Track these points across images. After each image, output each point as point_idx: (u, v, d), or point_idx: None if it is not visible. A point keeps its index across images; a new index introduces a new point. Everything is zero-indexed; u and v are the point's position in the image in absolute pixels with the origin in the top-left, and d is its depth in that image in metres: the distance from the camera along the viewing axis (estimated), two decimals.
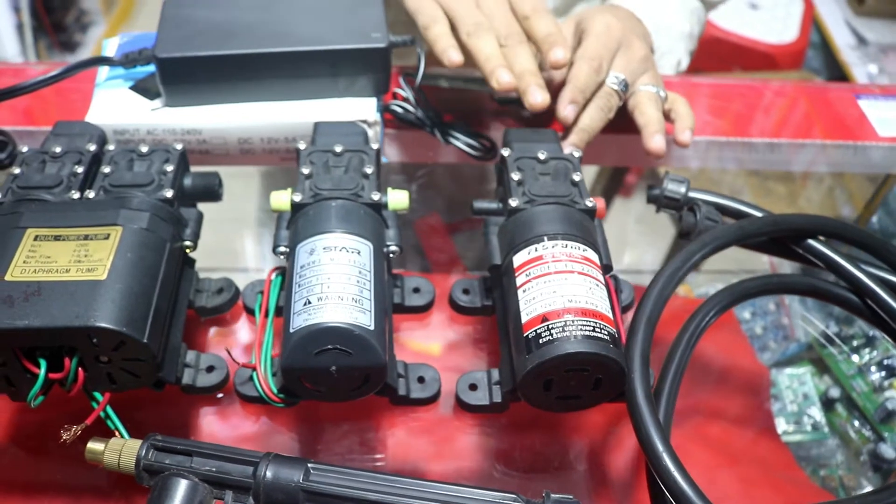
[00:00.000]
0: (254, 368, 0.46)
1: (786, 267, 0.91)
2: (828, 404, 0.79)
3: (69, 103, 0.62)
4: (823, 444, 0.76)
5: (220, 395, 0.50)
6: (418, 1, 0.60)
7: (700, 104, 0.73)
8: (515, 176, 0.51)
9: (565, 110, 0.58)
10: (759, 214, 0.57)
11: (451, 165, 0.81)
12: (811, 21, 1.67)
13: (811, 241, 0.56)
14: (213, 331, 0.54)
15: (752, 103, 0.74)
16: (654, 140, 0.58)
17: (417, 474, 0.48)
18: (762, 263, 0.95)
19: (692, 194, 0.58)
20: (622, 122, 0.61)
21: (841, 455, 0.75)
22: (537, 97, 0.56)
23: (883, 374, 0.77)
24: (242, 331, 0.54)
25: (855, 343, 0.80)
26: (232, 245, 0.90)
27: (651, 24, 0.67)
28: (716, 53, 1.59)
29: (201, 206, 0.54)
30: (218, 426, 0.50)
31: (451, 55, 0.57)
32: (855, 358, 0.79)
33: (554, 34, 0.58)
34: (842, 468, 0.74)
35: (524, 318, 0.44)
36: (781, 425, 0.79)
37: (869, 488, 0.72)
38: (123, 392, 0.45)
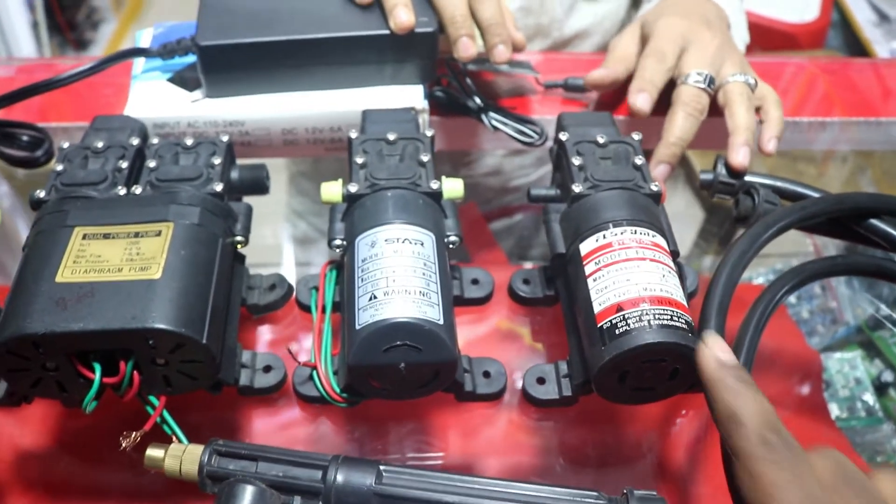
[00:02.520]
0: (314, 367, 0.45)
1: (829, 249, 0.89)
2: (881, 388, 0.77)
3: (103, 98, 0.61)
4: (878, 429, 0.74)
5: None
6: None
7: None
8: (576, 161, 0.49)
9: (637, 100, 0.58)
10: (817, 195, 0.55)
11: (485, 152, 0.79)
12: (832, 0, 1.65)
13: (873, 221, 0.54)
14: (266, 328, 0.52)
15: (805, 83, 0.72)
16: (740, 154, 0.55)
17: (486, 473, 0.46)
18: (804, 245, 0.94)
19: (748, 178, 0.56)
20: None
21: None
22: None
23: None
24: (297, 328, 0.52)
25: None
26: (260, 244, 0.89)
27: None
28: None
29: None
30: (275, 428, 0.49)
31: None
32: None
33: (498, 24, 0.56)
34: None
35: (597, 308, 0.42)
36: (834, 411, 0.77)
37: None
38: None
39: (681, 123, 0.57)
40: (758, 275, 0.91)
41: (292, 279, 0.51)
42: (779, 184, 0.56)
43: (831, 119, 0.67)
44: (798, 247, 0.92)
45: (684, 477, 0.48)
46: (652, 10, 0.65)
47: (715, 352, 0.39)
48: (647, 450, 0.48)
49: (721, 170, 0.56)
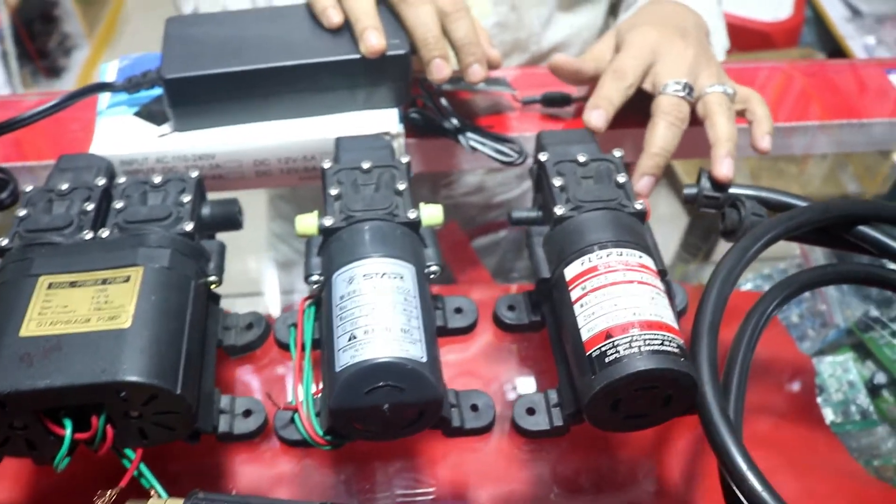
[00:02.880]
0: (295, 410, 0.43)
1: (817, 253, 0.89)
2: (874, 391, 0.76)
3: (69, 134, 0.59)
4: (873, 432, 0.74)
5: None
6: None
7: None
8: (557, 181, 0.48)
9: (591, 117, 0.56)
10: (804, 204, 0.54)
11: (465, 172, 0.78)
12: None
13: (862, 228, 0.53)
14: (245, 370, 0.50)
15: (782, 87, 0.71)
16: (724, 166, 0.54)
17: None
18: (791, 249, 0.93)
19: (733, 190, 0.55)
20: (637, 117, 0.58)
21: (893, 442, 0.72)
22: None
23: None
24: (276, 367, 0.50)
25: None
26: (241, 269, 0.87)
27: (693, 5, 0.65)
28: None
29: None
30: (258, 473, 0.47)
31: (330, 16, 0.54)
32: None
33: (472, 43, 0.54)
34: (895, 456, 0.71)
35: (585, 335, 0.41)
36: (829, 416, 0.76)
37: None
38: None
39: (662, 133, 0.55)
40: (746, 280, 0.91)
41: (276, 307, 0.49)
42: (764, 194, 0.55)
43: (811, 123, 0.67)
44: (785, 251, 0.92)
45: (681, 501, 0.47)
46: (627, 19, 0.64)
47: None
48: (642, 476, 0.47)
49: (705, 183, 0.55)
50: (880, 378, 0.76)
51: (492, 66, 0.56)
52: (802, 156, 1.29)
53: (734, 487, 0.40)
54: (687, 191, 0.55)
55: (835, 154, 1.26)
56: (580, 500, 0.46)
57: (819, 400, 0.78)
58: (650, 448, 0.49)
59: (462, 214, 0.83)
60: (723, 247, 0.52)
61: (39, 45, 1.59)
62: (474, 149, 0.57)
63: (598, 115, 0.56)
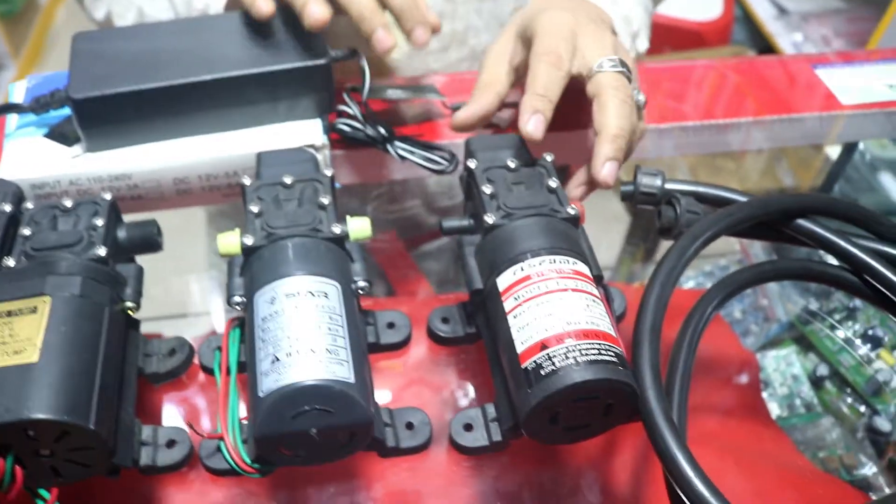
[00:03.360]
0: (221, 438, 0.41)
1: (756, 248, 0.89)
2: (817, 383, 0.77)
3: None
4: (818, 424, 0.74)
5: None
6: None
7: (662, 89, 0.70)
8: (487, 189, 0.46)
9: (528, 125, 0.48)
10: (741, 199, 0.54)
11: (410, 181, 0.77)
12: None
13: (801, 221, 0.53)
14: (169, 397, 0.48)
15: (708, 84, 0.71)
16: (605, 169, 0.49)
17: None
18: (730, 245, 0.93)
19: (669, 186, 0.54)
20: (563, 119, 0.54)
21: (836, 433, 0.73)
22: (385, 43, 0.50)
23: (869, 346, 0.75)
24: (203, 394, 0.48)
25: (837, 317, 0.78)
26: (183, 291, 0.84)
27: (604, 6, 0.63)
28: None
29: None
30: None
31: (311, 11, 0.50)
32: (839, 332, 0.77)
33: (410, 8, 0.50)
34: (840, 447, 0.72)
35: (520, 348, 0.40)
36: (774, 410, 0.76)
37: (869, 465, 0.70)
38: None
39: (616, 110, 0.49)
40: (687, 279, 0.91)
41: (221, 327, 0.47)
42: (701, 190, 0.54)
43: (744, 119, 0.67)
44: (726, 247, 0.92)
45: None
46: (526, 9, 0.57)
47: None
48: (587, 487, 0.45)
49: (641, 179, 0.54)
50: (822, 370, 0.76)
51: (434, 30, 0.52)
52: (739, 152, 1.30)
53: (680, 493, 0.39)
54: (623, 188, 0.54)
55: (770, 149, 1.28)
56: None
57: (765, 395, 0.78)
58: (594, 458, 0.47)
59: (406, 222, 0.81)
60: (666, 244, 0.51)
61: None
62: (403, 158, 0.55)
63: (535, 122, 0.49)
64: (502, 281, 0.42)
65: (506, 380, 0.41)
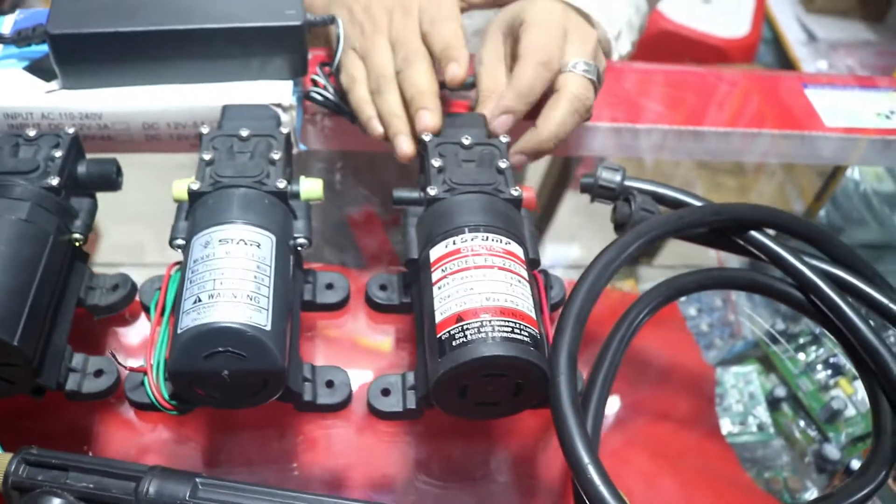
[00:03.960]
0: (145, 373, 0.42)
1: (733, 263, 0.89)
2: (773, 404, 0.77)
3: None
4: (769, 444, 0.74)
5: (117, 402, 0.46)
6: (343, 56, 0.55)
7: (651, 92, 0.70)
8: (436, 162, 0.47)
9: (495, 122, 0.51)
10: (699, 204, 0.54)
11: (389, 158, 0.77)
12: (763, 16, 1.66)
13: (754, 233, 0.53)
14: (106, 331, 0.49)
15: (698, 91, 0.71)
16: (497, 120, 0.51)
17: (327, 486, 0.44)
18: (709, 258, 0.93)
19: (628, 183, 0.54)
20: None
21: (786, 456, 0.73)
22: (425, 119, 0.50)
23: (829, 372, 0.75)
24: (140, 331, 0.49)
25: (801, 341, 0.78)
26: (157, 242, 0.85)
27: (591, 11, 0.63)
28: (667, 47, 1.58)
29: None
30: (113, 436, 0.46)
31: (374, 128, 0.52)
32: (801, 356, 0.77)
33: (449, 48, 0.51)
34: (786, 469, 0.72)
35: (438, 318, 0.40)
36: (727, 426, 0.77)
37: (812, 491, 0.70)
38: (8, 399, 0.41)
39: (563, 117, 0.51)
40: None
41: None
42: (659, 190, 0.54)
43: (715, 129, 0.67)
44: (702, 260, 0.92)
45: (539, 495, 0.47)
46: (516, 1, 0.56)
47: None
48: (494, 468, 0.46)
49: (601, 173, 0.54)
50: (780, 391, 0.76)
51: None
52: (745, 170, 1.29)
53: (576, 479, 0.39)
54: (583, 180, 0.55)
55: (784, 172, 1.27)
56: (426, 487, 0.46)
57: (719, 409, 0.78)
58: (508, 439, 0.48)
59: (387, 198, 0.81)
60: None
61: None
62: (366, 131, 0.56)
63: (504, 122, 0.51)
64: (434, 252, 0.43)
65: (425, 349, 0.42)
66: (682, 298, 0.83)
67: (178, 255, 0.44)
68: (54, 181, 0.45)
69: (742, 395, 0.77)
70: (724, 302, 0.83)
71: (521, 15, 0.53)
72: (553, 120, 0.51)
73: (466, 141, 0.49)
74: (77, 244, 0.46)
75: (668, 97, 0.71)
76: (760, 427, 0.76)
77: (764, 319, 0.81)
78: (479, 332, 0.39)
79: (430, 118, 0.50)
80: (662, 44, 1.57)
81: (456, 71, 0.51)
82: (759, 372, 0.79)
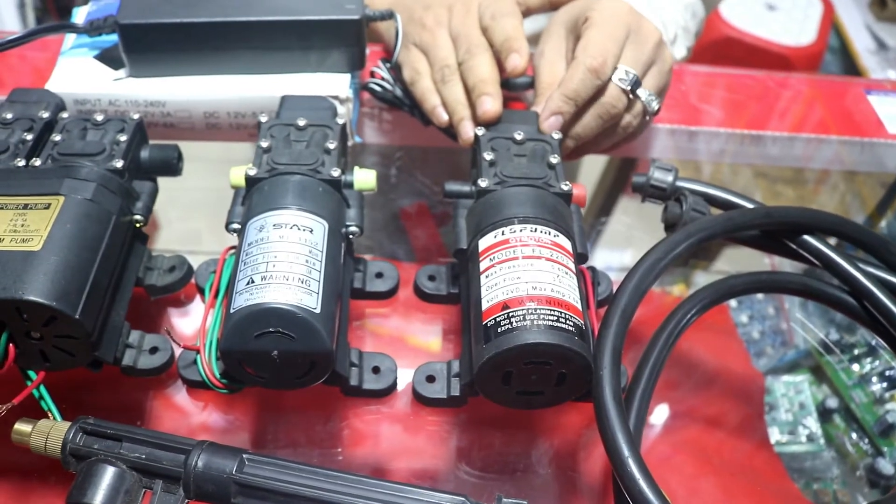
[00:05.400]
0: (198, 351, 0.43)
1: (787, 268, 0.88)
2: (825, 415, 0.75)
3: (37, 71, 0.60)
4: (819, 456, 0.72)
5: (170, 380, 0.48)
6: (404, 53, 0.57)
7: (713, 96, 0.70)
8: (488, 156, 0.48)
9: (545, 122, 0.52)
10: (750, 206, 0.54)
11: (443, 152, 0.78)
12: (830, 24, 1.62)
13: (806, 237, 0.52)
14: (164, 311, 0.51)
15: (759, 96, 0.70)
16: (548, 121, 0.52)
17: (369, 470, 0.45)
18: (762, 265, 0.92)
19: (680, 183, 0.54)
20: None
21: (836, 469, 0.71)
22: (486, 105, 0.51)
23: (884, 385, 0.74)
24: (195, 312, 0.51)
25: (856, 352, 0.76)
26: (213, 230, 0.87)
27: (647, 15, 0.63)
28: (730, 53, 1.55)
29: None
30: (165, 412, 0.48)
31: (440, 116, 0.54)
32: (855, 367, 0.75)
33: (510, 39, 0.53)
34: (836, 482, 0.70)
35: (485, 305, 0.41)
36: (775, 435, 0.75)
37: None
38: (68, 371, 0.42)
39: (587, 120, 0.52)
40: None
41: None
42: (710, 191, 0.54)
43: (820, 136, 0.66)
44: (759, 266, 0.91)
45: (579, 490, 0.47)
46: None
47: None
48: (535, 460, 0.46)
49: (653, 173, 0.54)
50: (832, 403, 0.74)
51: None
52: (805, 180, 1.27)
53: (615, 473, 0.39)
54: (635, 179, 0.55)
55: (846, 183, 1.25)
56: (466, 475, 0.46)
57: (767, 418, 0.77)
58: (549, 435, 0.48)
59: (438, 194, 0.82)
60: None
61: (60, 3, 1.61)
62: (428, 123, 0.57)
63: (553, 122, 0.52)
64: (483, 242, 0.44)
65: (471, 337, 0.43)
66: (734, 305, 0.82)
67: (234, 242, 0.46)
68: (118, 164, 0.46)
69: (792, 405, 0.76)
70: (777, 310, 0.82)
71: (586, 12, 0.54)
72: (579, 123, 0.53)
73: (518, 136, 0.49)
74: (138, 225, 0.47)
75: (729, 101, 0.71)
76: (810, 438, 0.74)
77: (818, 329, 0.80)
78: (525, 319, 0.39)
79: (490, 103, 0.51)
80: (725, 50, 1.54)
81: (517, 61, 0.52)
82: (810, 382, 0.77)
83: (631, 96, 0.53)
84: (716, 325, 0.77)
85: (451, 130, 0.57)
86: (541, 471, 0.46)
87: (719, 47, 1.54)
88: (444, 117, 0.54)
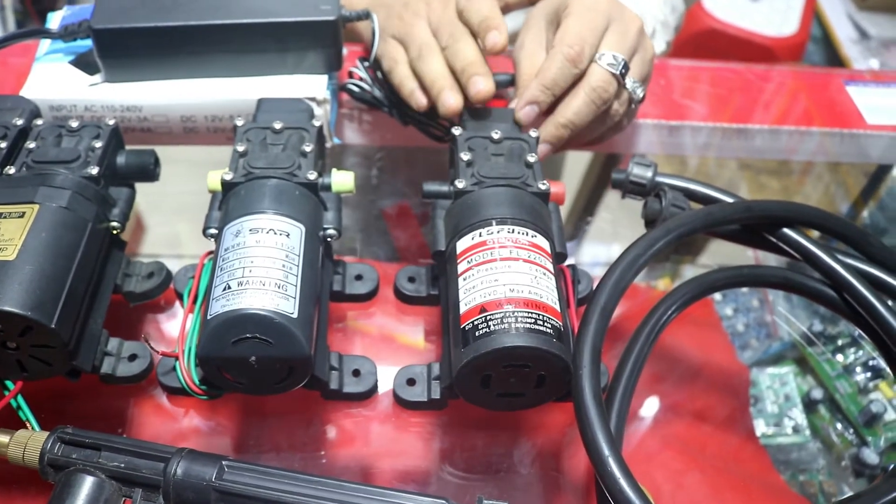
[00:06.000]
0: (176, 358, 0.43)
1: (770, 261, 0.88)
2: (810, 406, 0.76)
3: (17, 77, 0.59)
4: (804, 447, 0.73)
5: (150, 387, 0.48)
6: (382, 46, 0.56)
7: (696, 90, 0.70)
8: (465, 156, 0.48)
9: (520, 112, 0.52)
10: (730, 201, 0.54)
11: (428, 151, 0.78)
12: (812, 14, 1.63)
13: (786, 230, 0.52)
14: (142, 318, 0.51)
15: (742, 89, 0.70)
16: (523, 111, 0.52)
17: (352, 473, 0.45)
18: (746, 259, 0.92)
19: (659, 179, 0.54)
20: None
21: (822, 459, 0.71)
22: (479, 85, 0.51)
23: (868, 375, 0.74)
24: (175, 318, 0.51)
25: (840, 342, 0.76)
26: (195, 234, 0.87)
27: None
28: (713, 45, 1.55)
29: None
30: (146, 419, 0.47)
31: (418, 99, 0.54)
32: (839, 358, 0.76)
33: (487, 18, 0.52)
34: (822, 473, 0.70)
35: (462, 309, 0.41)
36: (761, 427, 0.75)
37: (849, 494, 0.69)
38: (48, 381, 0.42)
39: (579, 106, 0.51)
40: None
41: None
42: (690, 186, 0.54)
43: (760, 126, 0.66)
44: (740, 260, 0.91)
45: (562, 490, 0.47)
46: None
47: None
48: (518, 461, 0.46)
49: (632, 169, 0.54)
50: (817, 394, 0.75)
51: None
52: (790, 171, 1.28)
53: (596, 473, 0.39)
54: (615, 176, 0.55)
55: (830, 174, 1.25)
56: (449, 477, 0.46)
57: (753, 410, 0.77)
58: (530, 436, 0.48)
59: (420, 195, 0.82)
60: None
61: (43, 8, 1.59)
62: (406, 122, 0.57)
63: (528, 112, 0.52)
64: (461, 244, 0.43)
65: (450, 340, 0.43)
66: (718, 298, 0.82)
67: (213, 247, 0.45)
68: (94, 171, 0.46)
69: (777, 397, 0.76)
70: (761, 302, 0.82)
71: (566, 1, 0.54)
72: (570, 108, 0.52)
73: (496, 135, 0.49)
74: (114, 232, 0.47)
75: (713, 95, 0.71)
76: (796, 429, 0.74)
77: (801, 321, 0.80)
78: (503, 322, 0.39)
79: (483, 83, 0.51)
80: (708, 42, 1.54)
81: (496, 38, 0.51)
82: (795, 373, 0.78)
83: (621, 81, 0.53)
84: (700, 318, 0.77)
85: (429, 128, 0.57)
86: (523, 471, 0.46)
87: (702, 39, 1.54)
88: (423, 101, 0.53)
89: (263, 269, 0.40)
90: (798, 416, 0.75)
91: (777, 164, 1.26)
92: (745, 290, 0.83)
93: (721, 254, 0.80)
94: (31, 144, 0.48)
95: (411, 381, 0.45)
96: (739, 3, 1.60)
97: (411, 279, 0.49)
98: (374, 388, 0.45)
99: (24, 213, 0.43)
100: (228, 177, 0.45)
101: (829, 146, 0.67)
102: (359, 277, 0.48)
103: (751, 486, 0.60)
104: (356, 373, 0.45)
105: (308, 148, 0.47)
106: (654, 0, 0.68)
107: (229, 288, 0.40)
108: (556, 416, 0.50)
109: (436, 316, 0.50)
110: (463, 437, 0.46)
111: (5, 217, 0.43)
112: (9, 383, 0.42)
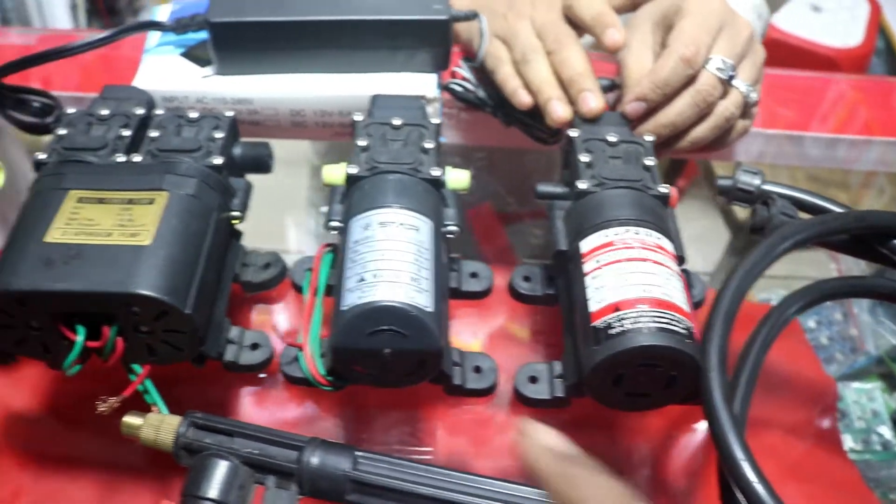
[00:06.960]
0: (300, 348, 0.43)
1: (854, 273, 0.86)
2: None
3: (120, 70, 0.60)
4: (893, 464, 0.72)
5: (262, 376, 0.48)
6: (488, 45, 0.57)
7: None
8: (584, 158, 0.47)
9: (628, 105, 0.51)
10: (840, 210, 0.53)
11: (511, 153, 0.78)
12: (877, 26, 1.61)
13: None
14: (258, 307, 0.51)
15: (807, 98, 0.70)
16: (631, 106, 0.51)
17: (467, 468, 0.45)
18: (828, 270, 0.91)
19: (766, 187, 0.54)
20: None
21: None
22: (591, 103, 0.51)
23: None
24: (288, 309, 0.51)
25: None
26: (283, 228, 0.88)
27: None
28: (775, 55, 1.53)
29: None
30: (260, 407, 0.48)
31: (521, 97, 0.53)
32: None
33: (602, 14, 0.52)
34: None
35: (593, 307, 0.41)
36: (848, 442, 0.74)
37: None
38: (163, 366, 0.43)
39: (682, 108, 0.51)
40: (778, 297, 0.89)
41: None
42: (799, 195, 0.54)
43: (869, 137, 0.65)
44: (823, 272, 0.90)
45: (676, 492, 0.46)
46: None
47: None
48: (638, 462, 0.46)
49: (739, 176, 0.54)
50: None
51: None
52: (859, 185, 1.26)
53: (727, 474, 0.39)
54: (721, 182, 0.54)
55: (894, 187, 1.24)
56: None
57: (840, 425, 0.76)
58: (652, 437, 0.48)
59: (500, 199, 0.82)
60: None
61: (110, 4, 1.63)
62: (508, 124, 0.57)
63: (636, 107, 0.52)
64: (586, 244, 0.43)
65: (575, 339, 0.43)
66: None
67: (299, 240, 0.45)
68: (217, 160, 0.47)
69: (864, 412, 0.75)
70: (846, 315, 0.81)
71: (678, 3, 0.53)
72: (673, 109, 0.52)
73: (612, 138, 0.49)
74: (235, 222, 0.48)
75: (772, 102, 0.70)
76: (885, 446, 0.73)
77: (888, 335, 0.79)
78: (637, 321, 0.39)
79: (594, 100, 0.51)
80: (772, 53, 1.51)
81: (615, 35, 0.51)
82: (882, 389, 0.76)
83: (728, 86, 0.52)
84: (784, 330, 0.76)
85: (534, 130, 0.57)
86: (644, 472, 0.45)
87: (766, 49, 1.52)
88: (526, 99, 0.53)
89: (397, 262, 0.40)
90: (887, 432, 0.74)
91: (842, 175, 1.24)
92: (828, 302, 0.82)
93: (788, 264, 0.79)
94: (153, 133, 0.48)
95: (533, 379, 0.44)
96: (803, 13, 1.58)
97: (526, 278, 0.49)
98: (494, 385, 0.45)
99: (153, 199, 0.43)
100: (354, 170, 0.45)
101: (893, 157, 0.66)
102: (474, 275, 0.48)
103: (846, 500, 0.59)
104: (477, 369, 0.45)
105: (429, 145, 0.47)
106: (741, 7, 0.68)
107: (363, 280, 0.40)
108: (663, 419, 0.49)
109: (548, 315, 0.50)
110: (582, 436, 0.46)
111: (136, 203, 0.43)
112: (136, 367, 0.43)
